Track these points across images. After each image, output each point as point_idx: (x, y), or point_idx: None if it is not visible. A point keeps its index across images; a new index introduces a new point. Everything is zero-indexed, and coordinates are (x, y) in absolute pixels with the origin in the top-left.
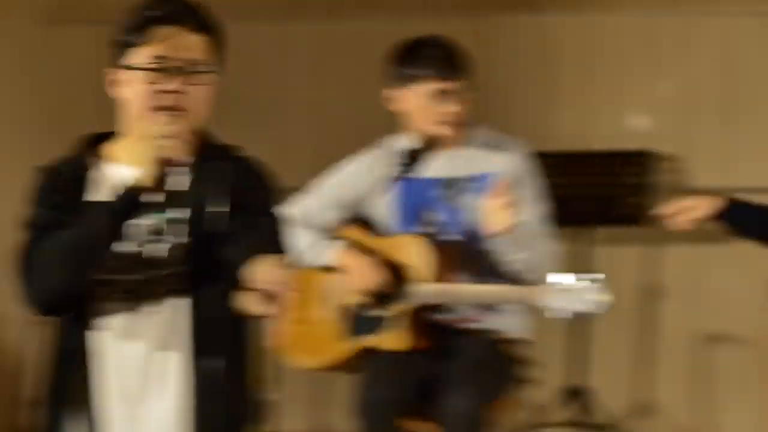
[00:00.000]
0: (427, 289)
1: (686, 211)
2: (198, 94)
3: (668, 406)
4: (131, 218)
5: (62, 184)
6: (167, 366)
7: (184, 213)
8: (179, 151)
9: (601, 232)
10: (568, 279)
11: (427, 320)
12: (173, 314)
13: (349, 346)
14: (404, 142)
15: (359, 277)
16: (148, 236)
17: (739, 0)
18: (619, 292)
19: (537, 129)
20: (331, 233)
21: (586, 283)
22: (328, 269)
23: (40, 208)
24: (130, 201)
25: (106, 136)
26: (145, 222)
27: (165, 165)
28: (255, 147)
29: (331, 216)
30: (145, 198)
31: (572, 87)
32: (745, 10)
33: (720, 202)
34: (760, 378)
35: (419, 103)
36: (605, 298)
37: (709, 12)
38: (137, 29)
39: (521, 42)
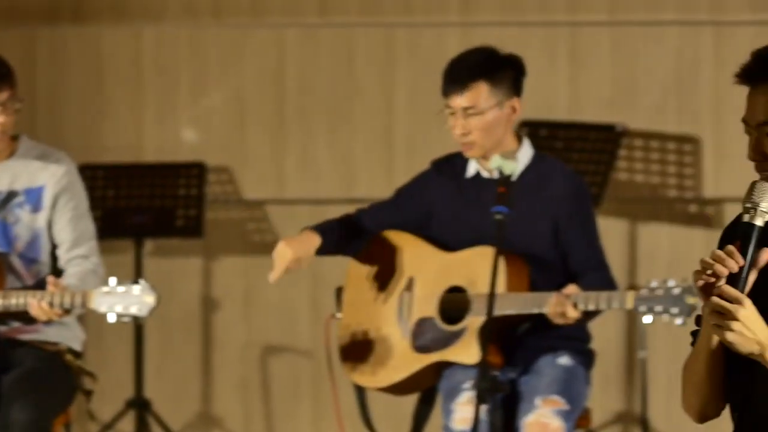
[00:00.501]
0: None
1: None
2: None
3: (225, 417)
4: None
5: None
6: None
7: None
8: None
9: (158, 243)
10: (112, 283)
11: None
12: None
13: None
14: None
15: None
16: None
17: (288, 11)
18: (177, 303)
19: (88, 141)
20: None
21: (131, 287)
22: None
23: None
24: None
25: None
26: None
27: None
28: None
29: None
30: None
31: (122, 98)
32: (292, 21)
33: (312, 241)
34: (313, 387)
35: None
36: (149, 300)
37: (257, 24)
38: None
39: (68, 53)
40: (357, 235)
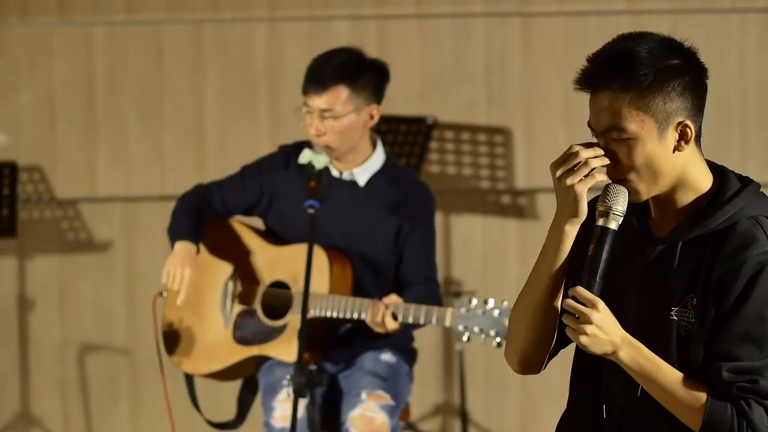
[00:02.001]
0: None
1: None
2: None
3: (44, 416)
4: None
5: None
6: None
7: None
8: None
9: None
10: None
11: None
12: None
13: None
14: None
15: None
16: None
17: (95, 10)
18: None
19: None
20: None
21: None
22: None
23: None
24: None
25: None
26: None
27: None
28: None
29: None
30: None
31: None
32: (100, 19)
33: (193, 251)
34: (131, 385)
35: None
36: None
37: (64, 22)
38: None
39: None
40: (210, 220)
